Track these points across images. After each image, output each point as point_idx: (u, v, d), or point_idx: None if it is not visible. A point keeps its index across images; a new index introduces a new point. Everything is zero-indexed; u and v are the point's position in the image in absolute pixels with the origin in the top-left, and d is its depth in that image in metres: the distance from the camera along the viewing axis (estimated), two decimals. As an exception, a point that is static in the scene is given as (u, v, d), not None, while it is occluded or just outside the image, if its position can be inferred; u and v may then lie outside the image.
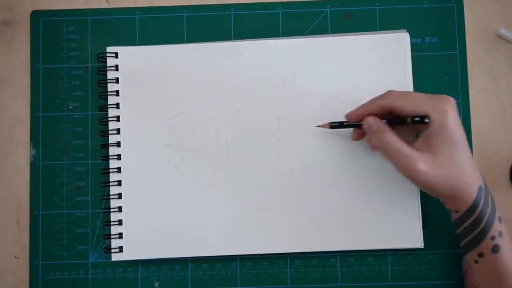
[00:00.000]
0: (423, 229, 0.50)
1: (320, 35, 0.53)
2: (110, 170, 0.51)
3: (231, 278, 0.52)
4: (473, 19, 0.54)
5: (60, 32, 0.54)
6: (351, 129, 0.49)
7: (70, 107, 0.53)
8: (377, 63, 0.51)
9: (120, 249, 0.50)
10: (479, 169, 0.45)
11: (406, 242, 0.50)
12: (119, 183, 0.51)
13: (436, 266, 0.51)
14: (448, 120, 0.43)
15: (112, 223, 0.50)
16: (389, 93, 0.46)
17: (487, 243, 0.44)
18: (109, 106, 0.51)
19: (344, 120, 0.48)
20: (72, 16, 0.54)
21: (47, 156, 0.53)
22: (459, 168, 0.43)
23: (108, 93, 0.51)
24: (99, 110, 0.52)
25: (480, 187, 0.44)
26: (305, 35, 0.53)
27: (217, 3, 0.54)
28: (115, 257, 0.50)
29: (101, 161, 0.52)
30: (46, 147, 0.53)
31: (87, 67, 0.54)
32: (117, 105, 0.51)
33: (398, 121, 0.45)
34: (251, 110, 0.51)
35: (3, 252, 0.52)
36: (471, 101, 0.53)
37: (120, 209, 0.50)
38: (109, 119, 0.51)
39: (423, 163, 0.43)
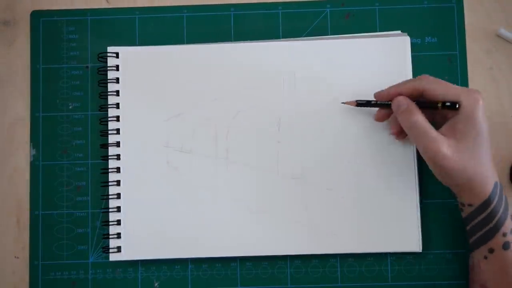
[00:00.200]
0: (423, 229, 0.50)
1: (321, 37, 0.53)
2: (109, 170, 0.51)
3: (231, 278, 0.52)
4: (473, 19, 0.53)
5: (60, 32, 0.54)
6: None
7: (70, 107, 0.53)
8: (377, 65, 0.51)
9: (118, 249, 0.50)
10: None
11: (404, 246, 0.50)
12: (118, 183, 0.51)
13: (436, 266, 0.51)
14: (478, 110, 0.43)
15: (110, 223, 0.50)
16: (423, 76, 0.46)
17: (498, 240, 0.44)
18: (109, 106, 0.51)
19: (372, 99, 0.49)
20: (72, 16, 0.54)
21: (47, 156, 0.53)
22: (480, 159, 0.44)
23: (108, 93, 0.51)
24: (99, 110, 0.52)
25: (496, 183, 0.45)
26: (305, 35, 0.53)
27: (217, 3, 0.54)
28: (113, 257, 0.50)
29: (101, 161, 0.52)
30: (46, 147, 0.53)
31: (87, 67, 0.54)
32: (117, 105, 0.51)
33: (428, 105, 0.45)
34: (251, 112, 0.51)
35: (3, 252, 0.52)
36: (471, 101, 0.53)
37: (118, 209, 0.50)
38: (109, 119, 0.51)
39: (447, 147, 0.43)
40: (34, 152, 0.53)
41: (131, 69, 0.52)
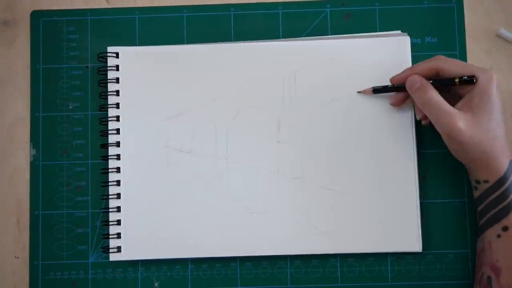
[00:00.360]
0: (423, 229, 0.50)
1: (321, 37, 0.53)
2: (109, 170, 0.51)
3: (231, 278, 0.52)
4: (473, 19, 0.53)
5: (60, 32, 0.54)
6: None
7: (70, 107, 0.53)
8: (377, 65, 0.51)
9: (118, 249, 0.50)
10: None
11: (405, 246, 0.50)
12: (118, 183, 0.51)
13: (436, 266, 0.51)
14: (493, 86, 0.44)
15: (110, 223, 0.50)
16: (437, 57, 0.47)
17: None
18: (109, 106, 0.51)
19: (387, 84, 0.49)
20: (72, 16, 0.54)
21: (47, 156, 0.53)
22: (496, 135, 0.44)
23: (108, 93, 0.51)
24: (99, 110, 0.52)
25: (511, 161, 0.45)
26: (305, 35, 0.53)
27: (217, 3, 0.54)
28: (113, 257, 0.50)
29: (101, 161, 0.52)
30: (46, 147, 0.53)
31: (87, 67, 0.54)
32: (117, 105, 0.51)
33: (445, 82, 0.46)
34: (251, 112, 0.51)
35: (3, 252, 0.52)
36: (471, 101, 0.53)
37: (118, 209, 0.50)
38: (109, 119, 0.51)
39: (462, 121, 0.44)
40: (34, 152, 0.53)
41: (131, 69, 0.52)
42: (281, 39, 0.53)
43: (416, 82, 0.46)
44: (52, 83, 0.53)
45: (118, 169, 0.51)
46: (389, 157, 0.50)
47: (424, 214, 0.51)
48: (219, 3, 0.54)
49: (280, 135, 0.51)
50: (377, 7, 0.54)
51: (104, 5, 0.55)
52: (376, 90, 0.50)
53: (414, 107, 0.50)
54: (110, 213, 0.51)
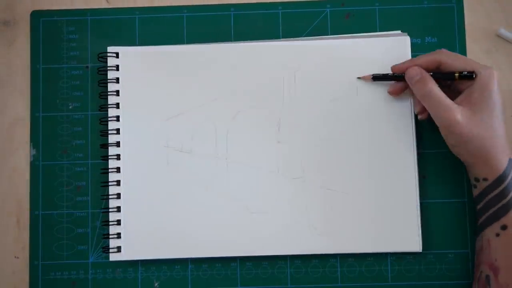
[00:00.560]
0: (423, 229, 0.50)
1: (321, 37, 0.53)
2: (109, 170, 0.51)
3: (231, 278, 0.52)
4: (473, 19, 0.53)
5: (60, 32, 0.54)
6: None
7: (70, 107, 0.53)
8: (377, 65, 0.51)
9: (118, 249, 0.50)
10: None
11: (405, 246, 0.50)
12: (118, 183, 0.51)
13: (436, 266, 0.51)
14: (493, 83, 0.45)
15: (110, 223, 0.50)
16: (440, 50, 0.47)
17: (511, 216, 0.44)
18: (109, 106, 0.51)
19: (388, 72, 0.49)
20: (72, 16, 0.54)
21: (47, 156, 0.53)
22: (495, 131, 0.44)
23: (108, 93, 0.51)
24: (99, 110, 0.52)
25: (510, 159, 0.45)
26: (305, 35, 0.53)
27: (217, 3, 0.54)
28: (113, 257, 0.50)
29: (101, 161, 0.52)
30: (46, 147, 0.53)
31: (87, 67, 0.54)
32: (117, 105, 0.51)
33: (445, 77, 0.46)
34: (251, 112, 0.51)
35: (3, 252, 0.52)
36: (471, 101, 0.53)
37: (118, 209, 0.50)
38: (109, 119, 0.51)
39: (461, 115, 0.44)
40: (34, 152, 0.53)
41: (131, 69, 0.52)
42: (281, 39, 0.53)
43: (416, 74, 0.46)
44: (52, 83, 0.53)
45: (118, 169, 0.51)
46: (389, 157, 0.50)
47: (424, 214, 0.51)
48: (219, 3, 0.54)
49: (280, 135, 0.51)
50: (377, 7, 0.54)
51: (104, 5, 0.55)
52: (376, 78, 0.50)
53: (412, 100, 0.50)
54: (110, 213, 0.51)
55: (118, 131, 0.51)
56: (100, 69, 0.52)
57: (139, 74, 0.52)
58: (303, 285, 0.51)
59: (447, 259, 0.51)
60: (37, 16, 0.54)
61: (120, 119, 0.51)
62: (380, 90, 0.51)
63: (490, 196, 0.45)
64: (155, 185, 0.51)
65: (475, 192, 0.47)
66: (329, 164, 0.50)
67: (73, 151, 0.53)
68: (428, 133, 0.52)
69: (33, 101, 0.53)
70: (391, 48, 0.51)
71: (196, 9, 0.54)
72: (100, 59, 0.52)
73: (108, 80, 0.52)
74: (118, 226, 0.50)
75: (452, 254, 0.51)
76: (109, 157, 0.51)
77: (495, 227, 0.45)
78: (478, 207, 0.47)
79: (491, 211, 0.45)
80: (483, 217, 0.46)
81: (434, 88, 0.45)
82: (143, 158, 0.51)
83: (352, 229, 0.50)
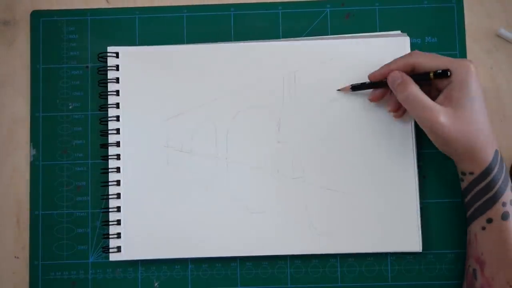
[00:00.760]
0: (423, 229, 0.50)
1: (321, 37, 0.53)
2: (109, 170, 0.51)
3: (231, 278, 0.52)
4: (473, 19, 0.53)
5: (60, 32, 0.54)
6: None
7: (70, 107, 0.53)
8: (377, 65, 0.50)
9: (118, 249, 0.50)
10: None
11: (405, 246, 0.50)
12: (118, 183, 0.51)
13: (436, 266, 0.51)
14: (471, 77, 0.44)
15: (110, 223, 0.50)
16: (413, 52, 0.47)
17: (497, 209, 0.44)
18: (109, 106, 0.51)
19: (365, 81, 0.49)
20: (72, 16, 0.54)
21: (47, 156, 0.53)
22: (478, 126, 0.44)
23: (108, 93, 0.51)
24: (99, 110, 0.52)
25: (496, 151, 0.45)
26: (305, 35, 0.53)
27: (217, 3, 0.54)
28: (113, 257, 0.50)
29: (101, 161, 0.52)
30: (46, 147, 0.53)
31: (87, 67, 0.54)
32: (117, 105, 0.51)
33: (421, 77, 0.46)
34: (251, 112, 0.51)
35: (3, 252, 0.52)
36: (471, 101, 0.53)
37: (118, 209, 0.50)
38: (109, 119, 0.51)
39: (444, 116, 0.44)
40: (34, 152, 0.53)
41: (131, 69, 0.52)
42: (281, 39, 0.53)
43: (397, 78, 0.46)
44: (52, 83, 0.53)
45: (118, 169, 0.51)
46: (389, 157, 0.50)
47: (424, 214, 0.51)
48: (219, 3, 0.54)
49: (280, 135, 0.51)
50: (377, 7, 0.54)
51: (104, 5, 0.55)
52: (355, 87, 0.50)
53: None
54: (110, 213, 0.51)
55: (118, 131, 0.51)
56: (100, 69, 0.52)
57: (139, 74, 0.52)
58: (303, 285, 0.51)
59: (447, 259, 0.51)
60: (37, 16, 0.54)
61: (120, 119, 0.51)
62: (380, 90, 0.50)
63: (476, 189, 0.45)
64: (155, 185, 0.51)
65: (463, 185, 0.47)
66: (329, 164, 0.50)
67: (73, 151, 0.53)
68: (428, 133, 0.52)
69: (33, 101, 0.53)
70: (391, 48, 0.51)
71: (196, 9, 0.54)
72: (100, 59, 0.52)
73: (108, 80, 0.52)
74: (118, 226, 0.50)
75: (452, 254, 0.51)
76: (109, 157, 0.51)
77: (481, 220, 0.45)
78: (466, 200, 0.47)
79: (477, 205, 0.46)
80: (471, 211, 0.46)
81: (414, 90, 0.45)
82: (143, 158, 0.51)
83: (352, 229, 0.50)
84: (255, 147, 0.51)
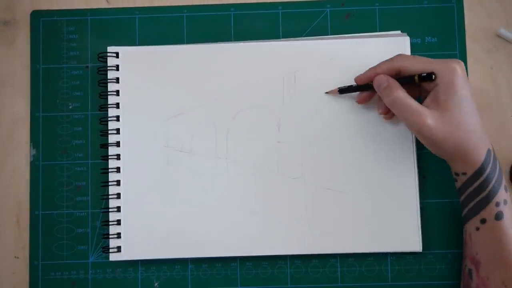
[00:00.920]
0: (423, 229, 0.50)
1: (321, 37, 0.53)
2: (109, 170, 0.51)
3: (231, 278, 0.52)
4: (473, 19, 0.54)
5: (60, 32, 0.54)
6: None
7: (70, 107, 0.53)
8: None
9: (118, 249, 0.50)
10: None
11: (405, 246, 0.50)
12: (118, 183, 0.51)
13: (436, 266, 0.51)
14: (456, 78, 0.44)
15: (110, 223, 0.50)
16: (398, 55, 0.47)
17: (491, 209, 0.44)
18: (109, 106, 0.51)
19: (352, 84, 0.49)
20: (72, 16, 0.54)
21: (47, 156, 0.53)
22: (468, 127, 0.44)
23: (108, 93, 0.51)
24: (99, 110, 0.52)
25: (489, 150, 0.45)
26: (305, 35, 0.53)
27: (217, 3, 0.54)
28: (113, 257, 0.50)
29: (101, 161, 0.52)
30: (46, 147, 0.53)
31: (87, 67, 0.54)
32: (117, 105, 0.51)
33: (406, 80, 0.46)
34: (251, 112, 0.51)
35: (3, 252, 0.52)
36: (471, 101, 0.53)
37: (118, 209, 0.50)
38: (109, 119, 0.51)
39: (431, 119, 0.44)
40: (34, 152, 0.53)
41: (131, 69, 0.52)
42: (281, 39, 0.53)
43: (383, 82, 0.46)
44: (52, 83, 0.53)
45: (118, 169, 0.51)
46: (389, 157, 0.50)
47: (424, 214, 0.51)
48: (219, 3, 0.54)
49: (280, 135, 0.51)
50: (377, 7, 0.54)
51: (104, 5, 0.55)
52: (342, 90, 0.50)
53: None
54: (110, 213, 0.51)
55: (118, 131, 0.51)
56: (100, 69, 0.52)
57: (139, 74, 0.52)
58: (303, 285, 0.51)
59: (447, 259, 0.51)
60: (37, 16, 0.54)
61: (120, 119, 0.51)
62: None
63: (470, 190, 0.45)
64: (155, 185, 0.51)
65: (457, 185, 0.47)
66: (329, 164, 0.50)
67: (73, 151, 0.53)
68: (428, 133, 0.52)
69: (33, 101, 0.53)
70: (391, 48, 0.51)
71: (196, 9, 0.54)
72: (100, 59, 0.52)
73: (108, 80, 0.52)
74: (118, 226, 0.50)
75: (452, 254, 0.51)
76: (109, 157, 0.51)
77: (475, 220, 0.45)
78: (460, 200, 0.47)
79: (471, 205, 0.45)
80: (465, 211, 0.46)
81: (401, 94, 0.45)
82: (143, 158, 0.51)
83: (352, 229, 0.50)
84: (255, 147, 0.51)
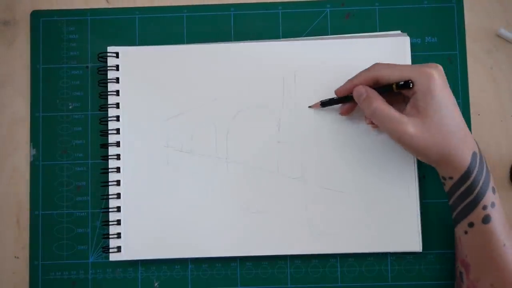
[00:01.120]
0: (423, 229, 0.50)
1: (321, 37, 0.53)
2: (109, 170, 0.51)
3: (231, 278, 0.52)
4: (473, 19, 0.54)
5: (60, 32, 0.54)
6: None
7: (70, 107, 0.53)
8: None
9: (118, 249, 0.50)
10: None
11: (405, 246, 0.50)
12: (118, 183, 0.51)
13: (436, 266, 0.51)
14: (433, 84, 0.43)
15: (110, 223, 0.50)
16: (375, 64, 0.47)
17: (478, 212, 0.44)
18: (109, 106, 0.51)
19: (333, 97, 0.49)
20: (72, 16, 0.54)
21: (47, 156, 0.53)
22: (450, 132, 0.43)
23: (108, 93, 0.51)
24: (99, 110, 0.52)
25: (474, 153, 0.44)
26: (305, 35, 0.53)
27: (217, 3, 0.54)
28: (113, 257, 0.50)
29: (101, 161, 0.52)
30: (46, 147, 0.53)
31: (87, 67, 0.54)
32: (117, 105, 0.51)
33: (385, 90, 0.46)
34: (251, 112, 0.51)
35: (3, 252, 0.52)
36: (471, 101, 0.53)
37: (118, 209, 0.50)
38: (109, 119, 0.51)
39: (412, 127, 0.43)
40: (34, 152, 0.53)
41: (131, 69, 0.52)
42: (281, 39, 0.53)
43: (362, 93, 0.46)
44: (52, 83, 0.53)
45: (118, 169, 0.51)
46: (389, 157, 0.50)
47: (424, 214, 0.51)
48: (219, 3, 0.54)
49: (280, 135, 0.51)
50: (377, 7, 0.54)
51: (104, 5, 0.55)
52: (324, 104, 0.50)
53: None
54: (110, 213, 0.51)
55: (118, 131, 0.51)
56: (100, 69, 0.52)
57: (139, 74, 0.52)
58: (303, 285, 0.51)
59: (447, 259, 0.51)
60: (37, 16, 0.54)
61: (120, 119, 0.51)
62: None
63: (457, 194, 0.45)
64: (155, 185, 0.51)
65: (445, 188, 0.47)
66: (329, 164, 0.50)
67: (73, 151, 0.53)
68: (428, 133, 0.51)
69: (33, 101, 0.53)
70: (391, 48, 0.51)
71: (196, 9, 0.54)
72: (100, 59, 0.52)
73: (108, 80, 0.52)
74: (118, 226, 0.50)
75: (452, 254, 0.51)
76: (109, 157, 0.51)
77: (464, 224, 0.45)
78: (449, 203, 0.46)
79: (459, 209, 0.45)
80: (454, 214, 0.46)
81: (380, 104, 0.44)
82: (143, 158, 0.51)
83: (352, 229, 0.50)
84: (255, 147, 0.51)
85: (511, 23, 0.54)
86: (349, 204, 0.50)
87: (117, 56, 0.52)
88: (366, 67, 0.49)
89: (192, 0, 0.55)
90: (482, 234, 0.44)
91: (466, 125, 0.45)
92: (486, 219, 0.44)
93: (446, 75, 0.52)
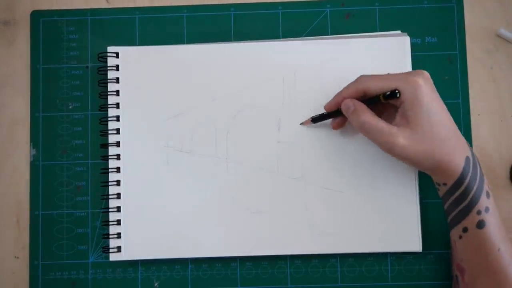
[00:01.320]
0: (423, 229, 0.50)
1: (321, 37, 0.53)
2: (109, 170, 0.51)
3: (231, 278, 0.52)
4: (473, 19, 0.54)
5: (60, 32, 0.54)
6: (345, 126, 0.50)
7: (70, 107, 0.53)
8: (377, 65, 0.51)
9: (118, 249, 0.50)
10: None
11: (405, 246, 0.50)
12: (118, 183, 0.51)
13: (436, 267, 0.51)
14: (420, 92, 0.43)
15: (110, 223, 0.50)
16: (360, 76, 0.46)
17: (473, 217, 0.44)
18: (109, 106, 0.51)
19: (323, 112, 0.49)
20: (72, 16, 0.54)
21: (47, 156, 0.53)
22: (442, 139, 0.43)
23: (108, 93, 0.51)
24: (99, 110, 0.52)
25: (467, 158, 0.44)
26: (305, 35, 0.53)
27: (217, 3, 0.54)
28: (113, 257, 0.50)
29: (101, 161, 0.52)
30: (46, 147, 0.53)
31: (87, 67, 0.54)
32: (117, 105, 0.51)
33: (373, 101, 0.45)
34: (251, 112, 0.51)
35: (3, 252, 0.52)
36: (471, 101, 0.53)
37: (118, 209, 0.50)
38: (109, 119, 0.51)
39: (402, 138, 0.43)
40: (34, 152, 0.53)
41: (131, 69, 0.52)
42: (281, 39, 0.53)
43: (349, 107, 0.45)
44: (52, 83, 0.53)
45: (118, 169, 0.51)
46: (388, 157, 0.50)
47: (424, 214, 0.51)
48: (219, 3, 0.54)
49: (280, 135, 0.51)
50: (377, 7, 0.54)
51: (104, 5, 0.55)
52: (315, 120, 0.50)
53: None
54: (110, 213, 0.51)
55: (118, 131, 0.51)
56: (100, 69, 0.52)
57: (139, 74, 0.52)
58: (303, 285, 0.51)
59: (447, 259, 0.51)
60: (37, 16, 0.54)
61: (120, 119, 0.51)
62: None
63: (451, 199, 0.45)
64: (155, 185, 0.51)
65: (439, 194, 0.46)
66: (329, 164, 0.50)
67: (73, 151, 0.53)
68: (428, 133, 0.51)
69: (33, 101, 0.53)
70: (391, 48, 0.51)
71: (196, 9, 0.54)
72: (100, 59, 0.52)
73: (108, 80, 0.52)
74: (118, 226, 0.50)
75: (452, 254, 0.51)
76: (109, 157, 0.51)
77: (458, 229, 0.45)
78: (444, 208, 0.46)
79: (453, 214, 0.45)
80: (449, 218, 0.46)
81: (368, 117, 0.44)
82: (143, 158, 0.51)
83: (352, 229, 0.50)
84: (255, 147, 0.51)
85: (511, 23, 0.54)
86: (349, 204, 0.50)
87: (117, 56, 0.52)
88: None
89: (192, 0, 0.55)
90: (476, 239, 0.44)
91: (457, 128, 0.45)
92: (480, 224, 0.44)
93: (446, 75, 0.53)
